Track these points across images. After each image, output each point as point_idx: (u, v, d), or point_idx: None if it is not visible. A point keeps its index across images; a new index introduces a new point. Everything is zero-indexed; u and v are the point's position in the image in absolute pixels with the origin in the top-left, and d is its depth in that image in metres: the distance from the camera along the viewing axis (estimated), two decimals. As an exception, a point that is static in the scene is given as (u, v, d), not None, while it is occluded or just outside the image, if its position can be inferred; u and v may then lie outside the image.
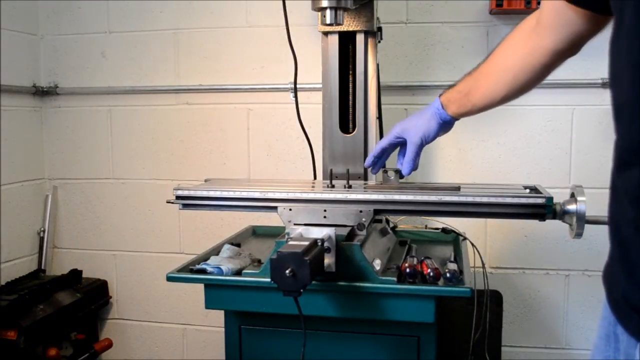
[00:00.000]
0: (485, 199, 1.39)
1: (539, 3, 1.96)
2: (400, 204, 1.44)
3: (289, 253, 1.21)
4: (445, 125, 1.43)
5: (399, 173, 1.54)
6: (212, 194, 1.53)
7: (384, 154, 1.53)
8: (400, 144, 1.49)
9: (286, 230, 1.44)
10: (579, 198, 1.32)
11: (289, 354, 1.44)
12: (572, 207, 1.33)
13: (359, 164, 1.76)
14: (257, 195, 1.50)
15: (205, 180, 1.75)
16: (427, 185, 1.69)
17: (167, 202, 1.58)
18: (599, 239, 2.13)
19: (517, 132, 2.19)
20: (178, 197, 1.56)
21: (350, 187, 1.55)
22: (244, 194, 1.51)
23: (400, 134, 1.46)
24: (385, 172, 1.57)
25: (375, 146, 1.57)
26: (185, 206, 1.56)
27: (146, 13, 2.40)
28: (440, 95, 1.43)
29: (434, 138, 1.44)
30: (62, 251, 2.59)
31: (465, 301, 1.51)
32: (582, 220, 1.31)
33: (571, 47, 1.16)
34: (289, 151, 2.32)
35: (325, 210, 1.44)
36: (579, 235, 1.32)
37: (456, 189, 1.47)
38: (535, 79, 1.25)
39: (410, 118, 1.47)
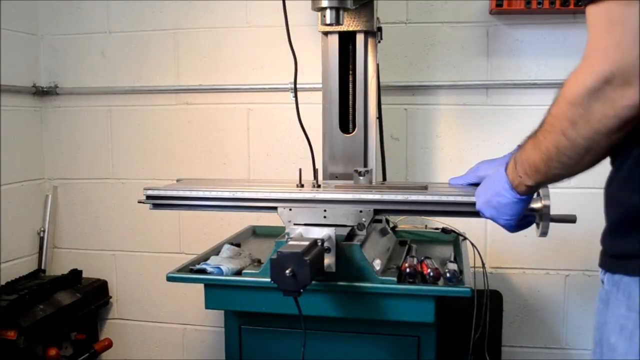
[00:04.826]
0: (485, 199, 1.39)
1: (539, 3, 1.98)
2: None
3: (289, 253, 1.21)
4: None
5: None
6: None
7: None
8: None
9: (286, 230, 1.44)
10: (543, 196, 1.27)
11: (289, 354, 1.44)
12: (537, 205, 1.27)
13: (358, 164, 1.76)
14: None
15: (177, 180, 1.77)
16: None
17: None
18: (599, 239, 2.13)
19: (517, 132, 2.15)
20: (149, 197, 1.57)
21: (319, 186, 1.57)
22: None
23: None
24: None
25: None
26: (157, 206, 1.58)
27: (146, 13, 2.40)
28: None
29: None
30: (62, 251, 2.59)
31: (465, 301, 1.51)
32: (547, 219, 1.27)
33: None
34: (289, 151, 2.32)
35: (325, 210, 1.44)
36: (544, 234, 1.29)
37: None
38: None
39: None
